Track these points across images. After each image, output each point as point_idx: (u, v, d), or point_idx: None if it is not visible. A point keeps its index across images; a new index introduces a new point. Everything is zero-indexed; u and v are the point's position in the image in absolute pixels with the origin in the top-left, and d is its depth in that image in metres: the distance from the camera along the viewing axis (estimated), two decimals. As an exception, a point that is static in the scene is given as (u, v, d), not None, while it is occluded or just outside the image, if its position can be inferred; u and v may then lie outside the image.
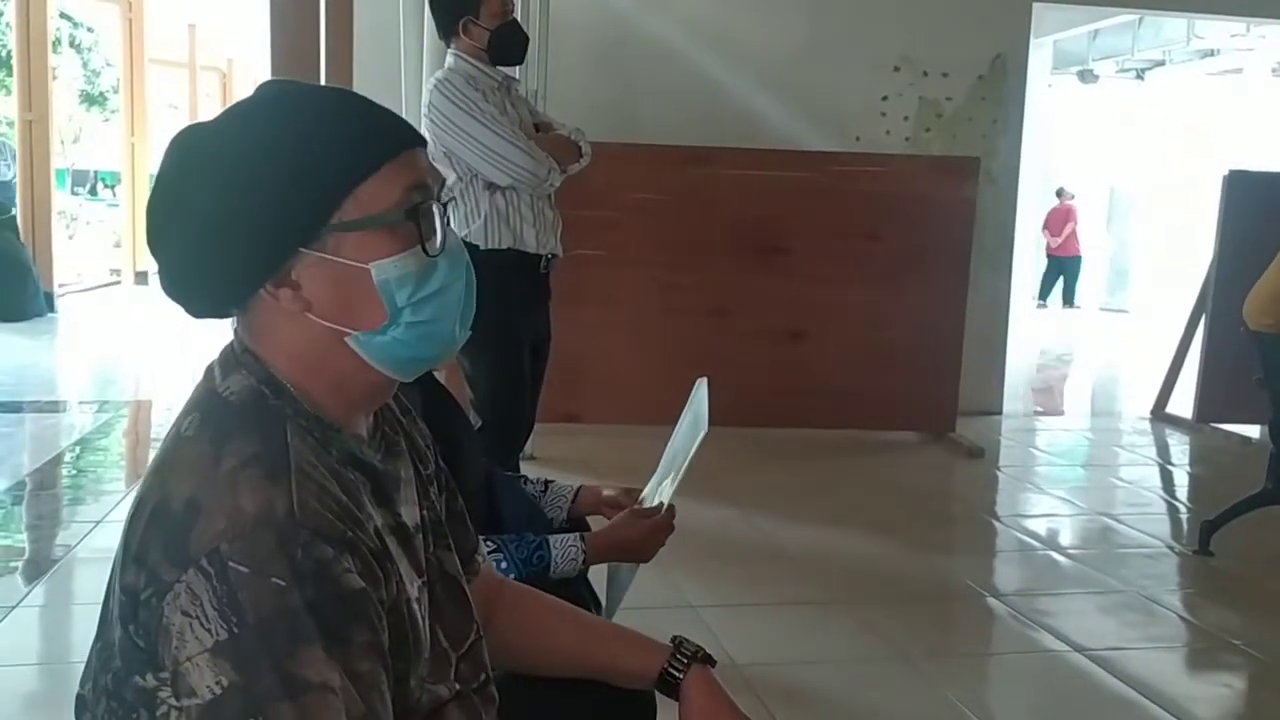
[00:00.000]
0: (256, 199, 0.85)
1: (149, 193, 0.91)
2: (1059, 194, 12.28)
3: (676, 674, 1.14)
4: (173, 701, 0.79)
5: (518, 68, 3.78)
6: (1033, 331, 9.11)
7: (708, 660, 1.16)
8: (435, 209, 0.91)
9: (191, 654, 0.77)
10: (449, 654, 0.99)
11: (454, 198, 2.83)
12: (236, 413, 0.87)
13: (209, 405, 0.89)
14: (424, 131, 3.06)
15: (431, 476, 1.07)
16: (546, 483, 1.86)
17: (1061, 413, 6.29)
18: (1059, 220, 12.29)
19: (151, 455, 4.54)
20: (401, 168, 0.89)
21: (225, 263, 0.87)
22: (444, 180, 0.98)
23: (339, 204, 0.87)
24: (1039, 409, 6.13)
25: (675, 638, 1.17)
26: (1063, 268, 12.41)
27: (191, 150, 0.89)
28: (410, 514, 0.98)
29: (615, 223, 4.45)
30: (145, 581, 0.80)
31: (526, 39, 3.06)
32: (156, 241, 0.90)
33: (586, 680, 1.18)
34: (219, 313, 0.93)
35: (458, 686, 0.99)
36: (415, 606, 0.93)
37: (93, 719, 0.87)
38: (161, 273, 0.91)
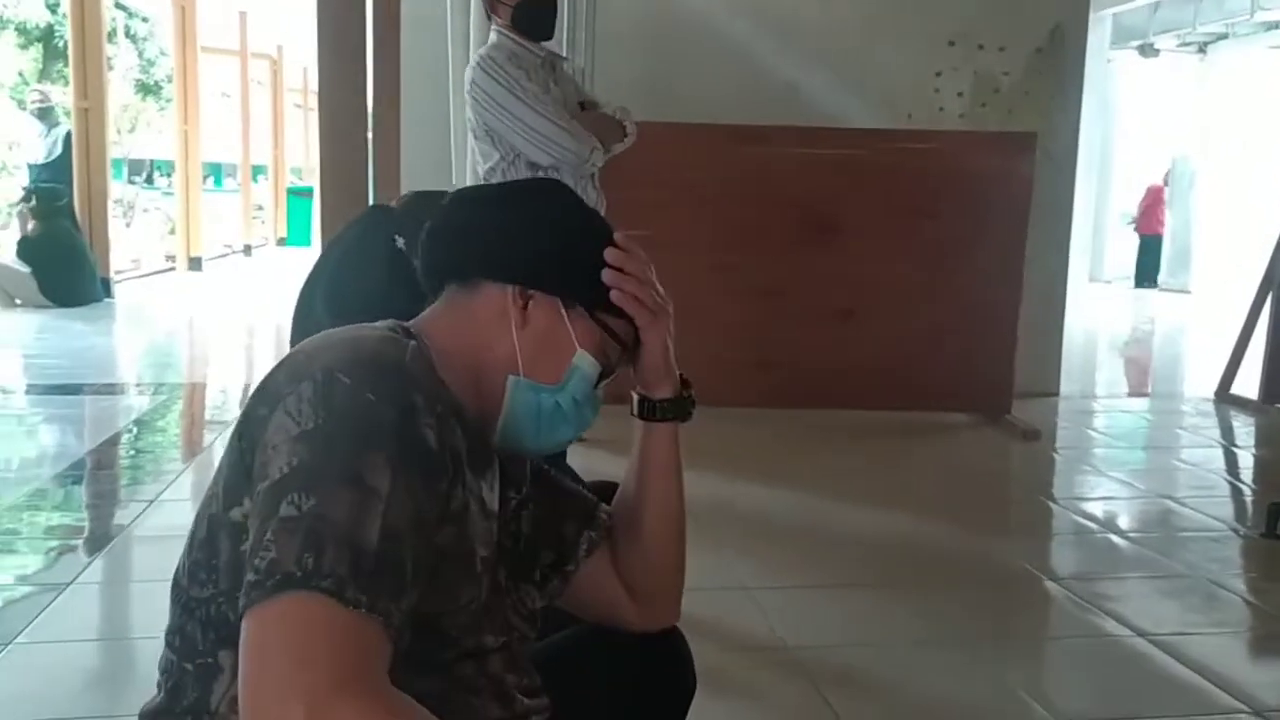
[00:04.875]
0: (584, 251, 1.07)
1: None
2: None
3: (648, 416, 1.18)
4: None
5: (567, 46, 3.74)
6: (1092, 312, 8.95)
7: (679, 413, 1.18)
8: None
9: (278, 441, 0.86)
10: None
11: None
12: (373, 328, 1.00)
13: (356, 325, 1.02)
14: (468, 110, 3.06)
15: (529, 497, 1.13)
16: None
17: (1121, 394, 6.16)
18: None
19: (207, 436, 4.62)
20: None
21: (522, 252, 1.05)
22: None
23: (605, 309, 1.07)
24: (1098, 390, 6.01)
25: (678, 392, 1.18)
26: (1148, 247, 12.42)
27: (562, 195, 1.13)
28: (490, 498, 1.02)
29: (664, 204, 4.41)
30: (264, 400, 0.90)
31: (554, 11, 3.00)
32: (467, 200, 1.12)
33: (626, 660, 1.18)
34: (458, 277, 1.07)
35: (503, 639, 1.02)
36: (479, 562, 0.98)
37: (178, 584, 0.96)
38: (443, 222, 1.09)
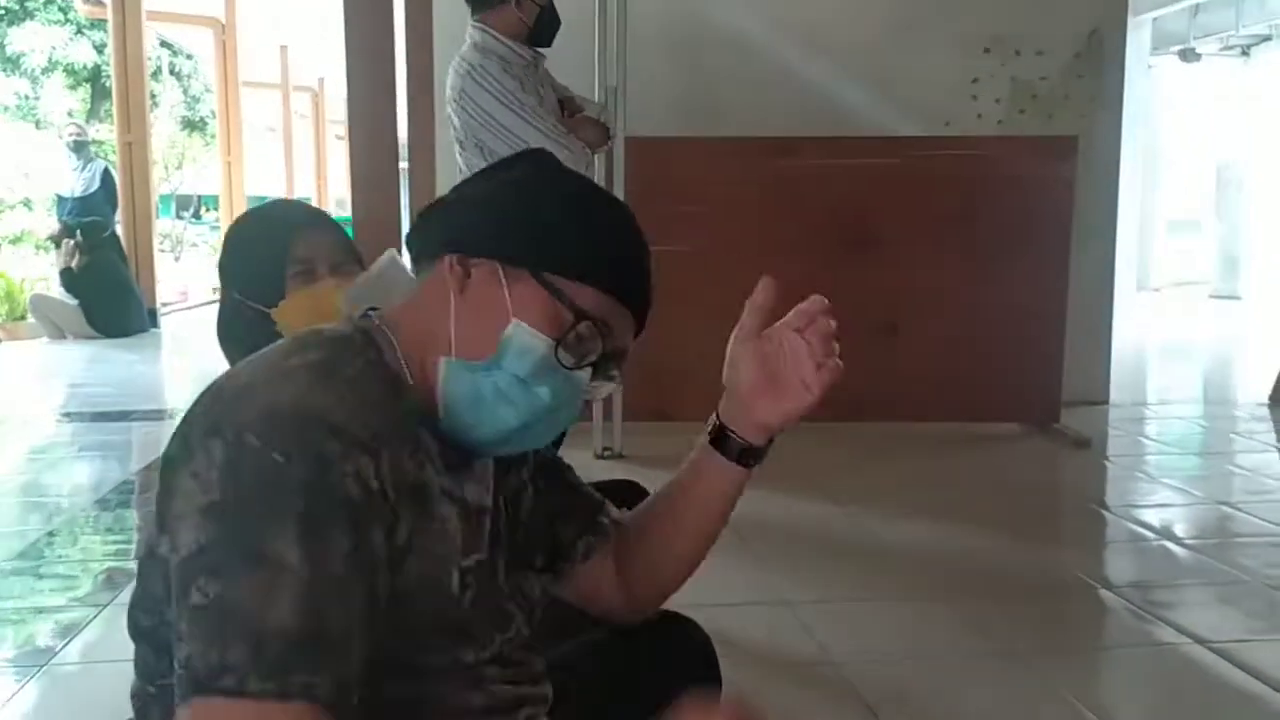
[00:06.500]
0: (531, 206, 0.94)
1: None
2: None
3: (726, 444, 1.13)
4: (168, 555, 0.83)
5: (597, 63, 3.70)
6: (1142, 319, 8.78)
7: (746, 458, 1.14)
8: (609, 369, 0.97)
9: (186, 510, 0.80)
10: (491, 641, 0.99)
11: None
12: (324, 338, 0.92)
13: (305, 333, 0.94)
14: (452, 117, 3.01)
15: (526, 482, 1.08)
16: None
17: (1173, 401, 6.02)
18: None
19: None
20: (621, 314, 0.96)
21: (465, 216, 0.96)
22: (624, 360, 1.01)
23: (560, 273, 0.92)
24: (1149, 398, 5.88)
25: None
26: None
27: (540, 160, 1.01)
28: (476, 494, 0.97)
29: (698, 218, 4.38)
30: (178, 448, 0.84)
31: (560, 23, 3.02)
32: (469, 182, 1.02)
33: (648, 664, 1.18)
34: (426, 258, 0.98)
35: (499, 636, 0.98)
36: (458, 575, 0.93)
37: (131, 612, 0.97)
38: (444, 205, 1.01)
